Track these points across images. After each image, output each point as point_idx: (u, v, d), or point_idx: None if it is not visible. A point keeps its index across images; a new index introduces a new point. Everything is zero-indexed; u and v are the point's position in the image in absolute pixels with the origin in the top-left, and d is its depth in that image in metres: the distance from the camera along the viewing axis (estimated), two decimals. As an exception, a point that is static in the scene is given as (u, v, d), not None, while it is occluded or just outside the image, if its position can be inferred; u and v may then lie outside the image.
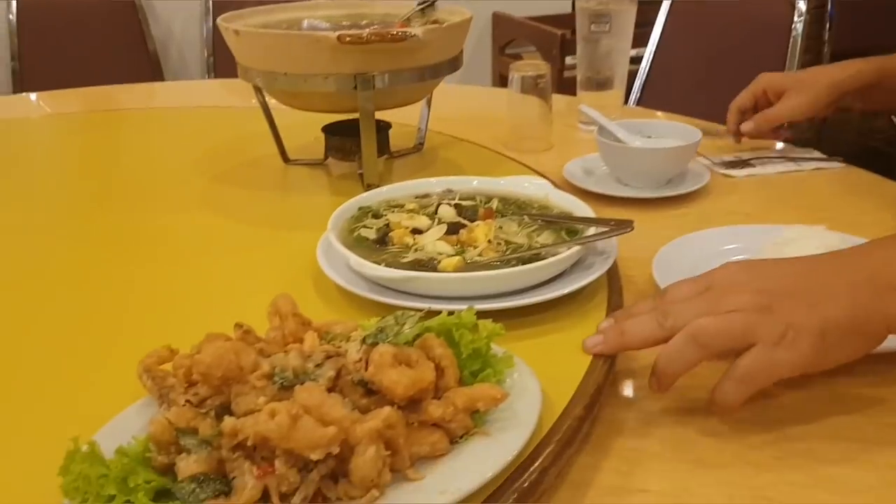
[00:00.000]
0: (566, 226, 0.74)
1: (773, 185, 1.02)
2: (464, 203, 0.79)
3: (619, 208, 0.92)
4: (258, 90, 1.04)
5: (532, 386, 0.53)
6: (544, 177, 0.91)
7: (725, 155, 1.09)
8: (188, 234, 0.91)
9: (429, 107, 1.12)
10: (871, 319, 0.53)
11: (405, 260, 0.69)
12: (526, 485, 0.47)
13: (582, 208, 0.76)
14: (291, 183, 1.07)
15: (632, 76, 1.58)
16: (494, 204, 0.78)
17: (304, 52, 0.89)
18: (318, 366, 0.49)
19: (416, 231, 0.73)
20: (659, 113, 1.32)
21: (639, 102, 1.73)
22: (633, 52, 1.24)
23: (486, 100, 1.59)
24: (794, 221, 0.79)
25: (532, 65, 1.15)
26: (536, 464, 0.48)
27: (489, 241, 0.70)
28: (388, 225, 0.75)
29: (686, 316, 0.53)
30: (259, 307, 0.57)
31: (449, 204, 0.78)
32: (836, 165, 1.06)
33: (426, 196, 0.82)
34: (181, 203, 0.99)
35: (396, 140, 1.08)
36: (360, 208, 0.79)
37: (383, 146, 1.04)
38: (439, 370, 0.50)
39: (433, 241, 0.71)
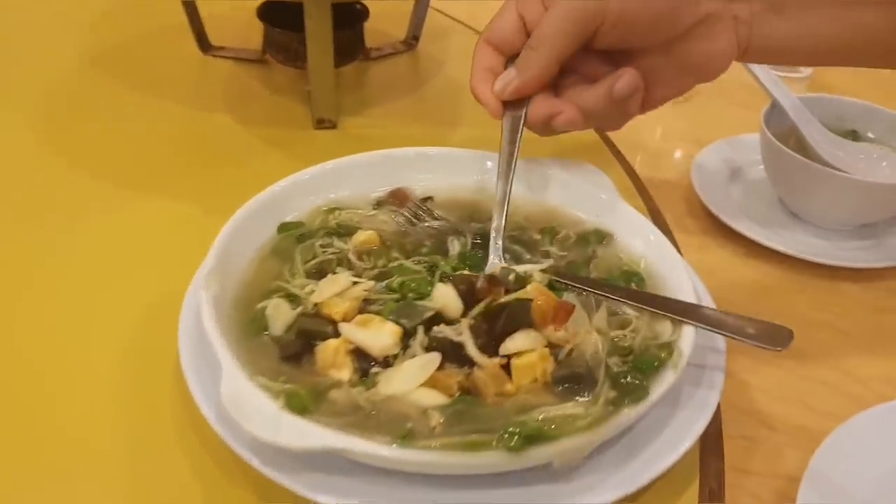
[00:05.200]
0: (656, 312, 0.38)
1: None
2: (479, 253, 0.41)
3: (782, 267, 0.51)
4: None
5: None
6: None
7: None
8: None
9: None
10: None
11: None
12: None
13: (684, 282, 0.39)
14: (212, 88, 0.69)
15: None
16: (539, 271, 0.39)
17: None
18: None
19: (364, 354, 0.35)
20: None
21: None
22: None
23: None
24: None
25: None
26: None
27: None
28: (316, 309, 0.37)
29: None
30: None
31: (447, 277, 0.38)
32: None
33: (388, 204, 0.45)
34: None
35: (378, 26, 0.70)
36: (280, 227, 0.42)
37: (354, 46, 0.66)
38: None
39: (410, 391, 0.33)
